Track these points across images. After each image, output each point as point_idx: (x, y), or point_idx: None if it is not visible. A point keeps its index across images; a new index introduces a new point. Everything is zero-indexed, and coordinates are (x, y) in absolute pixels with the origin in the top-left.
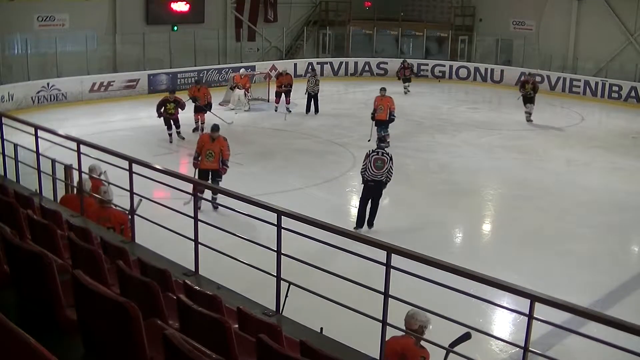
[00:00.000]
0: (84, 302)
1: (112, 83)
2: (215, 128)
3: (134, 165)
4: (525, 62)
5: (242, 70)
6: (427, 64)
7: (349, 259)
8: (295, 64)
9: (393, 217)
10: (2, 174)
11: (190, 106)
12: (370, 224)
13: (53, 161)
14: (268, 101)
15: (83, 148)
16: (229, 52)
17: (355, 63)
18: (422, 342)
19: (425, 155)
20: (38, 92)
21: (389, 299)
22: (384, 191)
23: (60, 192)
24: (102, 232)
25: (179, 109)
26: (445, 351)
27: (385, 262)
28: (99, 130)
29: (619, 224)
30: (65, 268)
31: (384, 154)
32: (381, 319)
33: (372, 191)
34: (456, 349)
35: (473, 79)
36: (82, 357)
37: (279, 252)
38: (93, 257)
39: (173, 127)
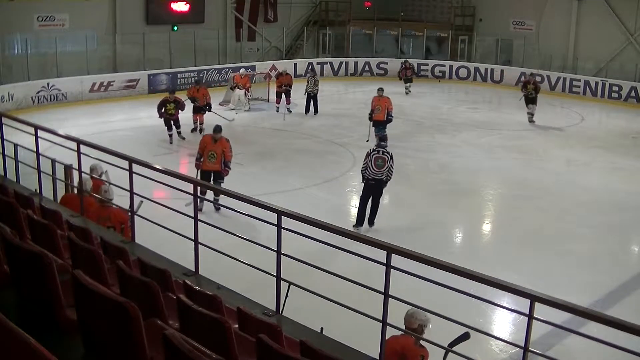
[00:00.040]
0: (84, 302)
1: (112, 83)
2: (218, 129)
3: (134, 165)
4: (525, 62)
5: (242, 70)
6: (427, 64)
7: (349, 259)
8: (295, 64)
9: (393, 217)
10: (2, 174)
11: (189, 106)
12: (371, 223)
13: (53, 161)
14: (268, 101)
15: (83, 148)
16: (229, 52)
17: (355, 63)
18: (422, 341)
19: (425, 155)
20: (38, 92)
21: (389, 299)
22: (383, 190)
23: (60, 192)
24: (102, 232)
25: (179, 110)
26: (444, 351)
27: (385, 262)
28: (99, 130)
29: (619, 224)
30: (65, 268)
31: (385, 153)
32: (381, 319)
33: (373, 190)
34: (455, 348)
35: (473, 79)
36: (82, 357)
37: (279, 252)
38: (93, 257)
39: (173, 127)
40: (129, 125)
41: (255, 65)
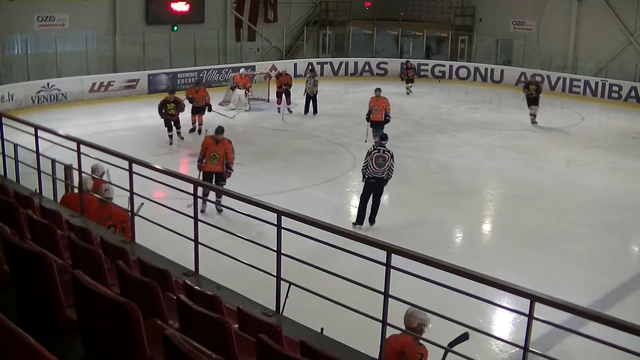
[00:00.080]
0: (84, 302)
1: (112, 83)
2: (220, 130)
3: (134, 165)
4: (525, 62)
5: (242, 70)
6: (427, 64)
7: (349, 259)
8: (295, 64)
9: (393, 217)
10: (2, 174)
11: (188, 107)
12: (372, 221)
13: (53, 161)
14: (268, 101)
15: (83, 148)
16: (229, 52)
17: (355, 63)
18: (421, 341)
19: (425, 155)
20: (38, 92)
21: (389, 299)
22: (384, 188)
23: (60, 192)
24: (102, 232)
25: (180, 111)
26: (444, 351)
27: (385, 262)
28: (99, 130)
29: (619, 224)
30: (65, 268)
31: (385, 152)
32: (381, 319)
33: (374, 188)
34: (455, 348)
35: (473, 79)
36: (82, 357)
37: (279, 252)
38: (93, 257)
39: (174, 128)
40: (129, 125)
41: (255, 65)
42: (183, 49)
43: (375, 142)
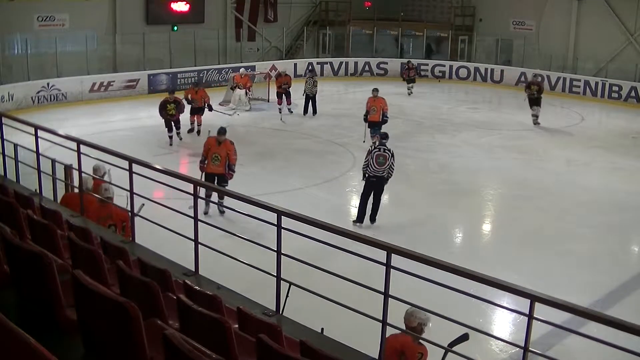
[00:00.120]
0: (84, 302)
1: (112, 83)
2: (222, 131)
3: (134, 165)
4: (525, 62)
5: (242, 70)
6: (427, 64)
7: (349, 259)
8: (295, 64)
9: (393, 217)
10: (2, 174)
11: (187, 107)
12: (373, 219)
13: (53, 161)
14: (268, 101)
15: (83, 148)
16: (229, 52)
17: (355, 63)
18: (421, 340)
19: (425, 155)
20: (38, 92)
21: (389, 298)
22: (384, 187)
23: (60, 192)
24: (102, 232)
25: (180, 112)
26: (444, 351)
27: (385, 262)
28: (99, 130)
29: (619, 224)
30: (65, 268)
31: (386, 150)
32: (381, 319)
33: (374, 187)
34: (454, 349)
35: (473, 79)
36: (82, 357)
37: (279, 252)
38: (93, 257)
39: (174, 129)
40: (129, 125)
41: (255, 65)
42: (183, 49)
43: (373, 142)
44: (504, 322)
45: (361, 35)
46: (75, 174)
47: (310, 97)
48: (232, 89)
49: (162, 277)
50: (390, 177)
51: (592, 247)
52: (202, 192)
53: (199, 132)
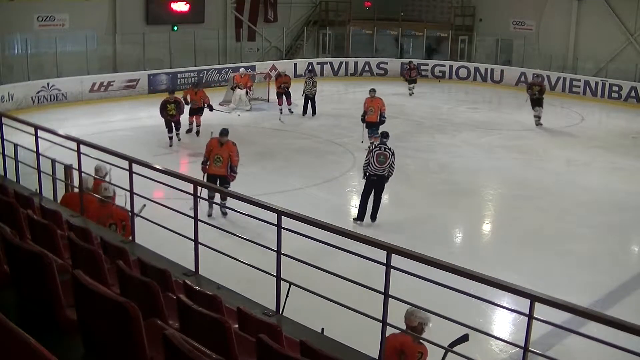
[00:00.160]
0: (84, 302)
1: (112, 83)
2: (224, 132)
3: (134, 165)
4: (525, 62)
5: (241, 70)
6: (427, 64)
7: (349, 259)
8: (295, 64)
9: (393, 217)
10: (2, 174)
11: (186, 107)
12: (374, 218)
13: (53, 161)
14: (268, 101)
15: (83, 148)
16: (229, 52)
17: (355, 63)
18: (421, 340)
19: (425, 155)
20: (38, 92)
21: (389, 299)
22: (385, 185)
23: (60, 192)
24: (102, 232)
25: (180, 113)
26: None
27: (385, 262)
28: (99, 130)
29: (619, 224)
30: (65, 268)
31: (387, 149)
32: (381, 318)
33: (375, 185)
34: (454, 349)
35: (473, 79)
36: (82, 357)
37: (279, 252)
38: (93, 257)
39: (174, 130)
40: (129, 125)
41: (255, 65)
42: (183, 49)
43: (372, 142)
44: (504, 322)
45: (361, 35)
46: (75, 174)
47: (309, 98)
48: (232, 89)
49: (162, 277)
50: (390, 176)
51: (592, 247)
52: (204, 193)
53: (198, 132)
